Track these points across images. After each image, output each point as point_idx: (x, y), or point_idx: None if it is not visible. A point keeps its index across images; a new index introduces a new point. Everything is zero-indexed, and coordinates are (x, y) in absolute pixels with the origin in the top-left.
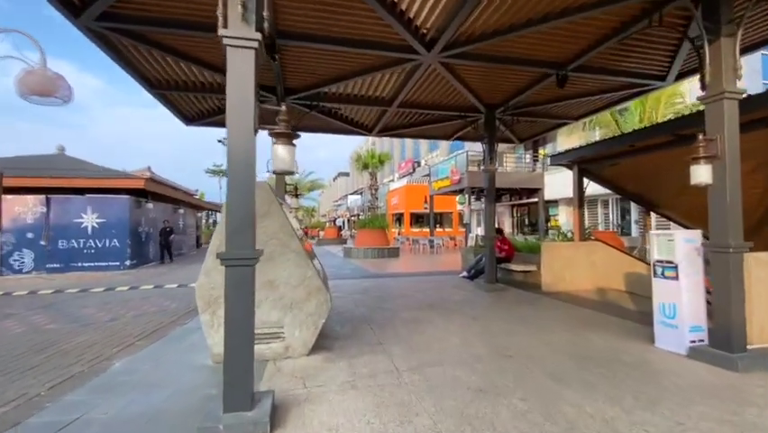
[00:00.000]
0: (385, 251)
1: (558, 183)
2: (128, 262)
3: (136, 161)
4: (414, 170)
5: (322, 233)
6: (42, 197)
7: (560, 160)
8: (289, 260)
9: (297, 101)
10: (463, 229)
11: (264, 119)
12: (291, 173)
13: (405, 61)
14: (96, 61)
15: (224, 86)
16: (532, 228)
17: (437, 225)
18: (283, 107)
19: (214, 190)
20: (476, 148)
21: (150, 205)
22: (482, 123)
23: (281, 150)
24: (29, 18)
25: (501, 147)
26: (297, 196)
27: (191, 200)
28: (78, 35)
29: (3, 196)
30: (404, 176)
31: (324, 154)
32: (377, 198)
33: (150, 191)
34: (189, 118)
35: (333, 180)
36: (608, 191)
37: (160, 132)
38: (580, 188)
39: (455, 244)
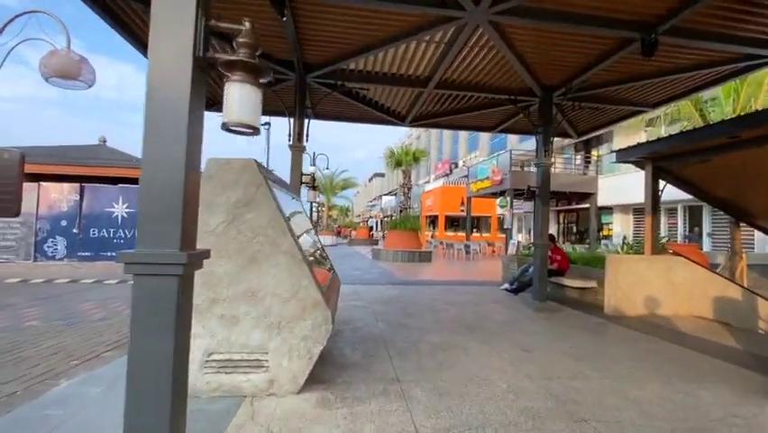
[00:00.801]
0: (416, 254)
1: (613, 188)
2: None
3: None
4: (451, 171)
5: (354, 233)
6: (77, 185)
7: (629, 156)
8: (279, 264)
9: (317, 79)
10: (503, 235)
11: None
12: (254, 131)
13: (446, 21)
14: None
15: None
16: (580, 237)
17: (474, 230)
18: (247, 25)
19: None
20: (520, 147)
21: None
22: (536, 109)
23: (238, 90)
24: (93, 21)
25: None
26: (314, 188)
27: None
28: None
29: (40, 183)
30: (440, 177)
31: (362, 155)
32: (410, 198)
33: None
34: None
35: (369, 181)
36: (674, 198)
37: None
38: (654, 190)
39: (493, 251)
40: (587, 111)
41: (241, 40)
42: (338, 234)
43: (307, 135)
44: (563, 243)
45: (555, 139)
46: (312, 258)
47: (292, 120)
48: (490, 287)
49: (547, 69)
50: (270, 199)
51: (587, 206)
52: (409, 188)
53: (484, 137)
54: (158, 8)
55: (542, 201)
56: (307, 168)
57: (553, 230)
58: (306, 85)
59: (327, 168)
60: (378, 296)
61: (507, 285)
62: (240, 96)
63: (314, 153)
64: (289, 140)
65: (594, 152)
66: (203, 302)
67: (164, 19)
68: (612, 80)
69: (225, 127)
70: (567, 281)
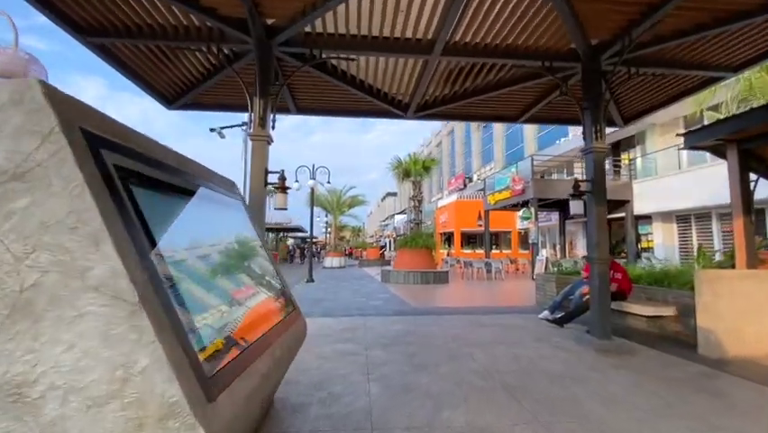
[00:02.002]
0: (430, 275)
1: (651, 194)
2: None
3: None
4: (465, 185)
5: (365, 253)
6: None
7: (705, 138)
8: (83, 316)
9: (286, 48)
10: (524, 251)
11: None
12: None
13: None
14: None
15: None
16: (613, 250)
17: (493, 246)
18: None
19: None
20: (542, 154)
21: None
22: (578, 80)
23: None
24: None
25: (564, 149)
26: (284, 189)
27: None
28: None
29: None
30: (454, 192)
31: (376, 176)
32: (421, 212)
33: None
34: (168, 97)
35: (382, 200)
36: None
37: (224, 157)
38: (743, 183)
39: (517, 269)
40: (644, 83)
41: None
42: (349, 254)
43: (274, 122)
44: None
45: (573, 137)
46: (246, 293)
47: (255, 103)
48: (524, 315)
49: (599, 10)
50: (74, 168)
51: (621, 215)
52: (420, 201)
53: (498, 149)
54: None
55: (596, 200)
56: (306, 183)
57: (580, 244)
58: (272, 55)
59: (329, 182)
60: (379, 333)
61: (547, 313)
62: None
63: (313, 166)
64: (249, 127)
65: (624, 156)
66: None
67: None
68: (688, 28)
69: None
70: (634, 308)
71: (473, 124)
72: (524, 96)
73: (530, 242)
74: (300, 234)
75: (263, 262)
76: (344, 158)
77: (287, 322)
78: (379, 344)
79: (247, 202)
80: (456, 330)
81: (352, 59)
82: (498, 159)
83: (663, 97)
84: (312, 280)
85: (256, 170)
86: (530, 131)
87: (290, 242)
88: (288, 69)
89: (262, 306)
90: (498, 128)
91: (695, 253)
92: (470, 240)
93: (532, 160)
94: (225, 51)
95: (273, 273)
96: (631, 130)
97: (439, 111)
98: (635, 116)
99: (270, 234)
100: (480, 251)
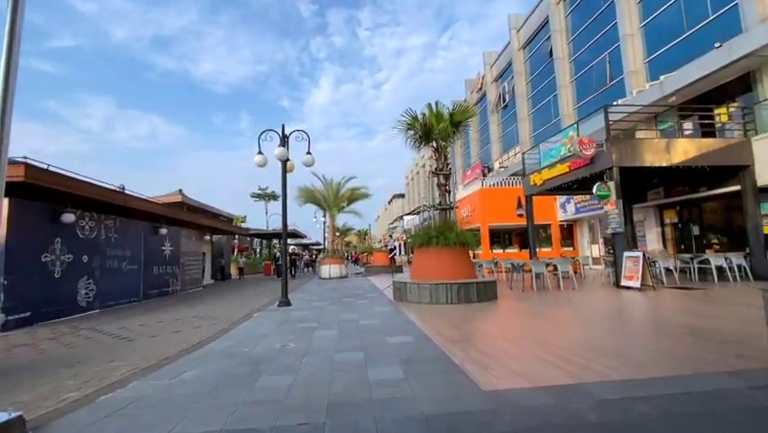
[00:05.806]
0: (472, 289)
1: None
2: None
3: (208, 194)
4: (484, 176)
5: (371, 258)
6: None
7: None
8: None
9: None
10: (568, 249)
11: None
12: None
13: None
14: (178, 112)
15: None
16: (699, 241)
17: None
18: None
19: (259, 215)
20: (624, 104)
21: (72, 217)
22: None
23: None
24: (134, 79)
25: (627, 109)
26: None
27: (197, 219)
28: (165, 90)
29: None
30: (471, 185)
31: (381, 183)
32: (448, 192)
33: (88, 198)
34: None
35: (389, 204)
36: None
37: (233, 168)
38: None
39: (575, 271)
40: None
41: None
42: (356, 261)
43: None
44: (675, 252)
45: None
46: None
47: None
48: None
49: None
50: None
51: (732, 189)
52: (447, 177)
53: (524, 129)
54: None
55: None
56: (273, 153)
57: (652, 236)
58: None
59: (309, 152)
60: None
61: None
62: None
63: (283, 127)
64: None
65: (720, 111)
66: None
67: None
68: None
69: None
70: None
71: (490, 104)
72: None
73: (610, 232)
74: (303, 241)
75: None
76: (348, 165)
77: None
78: None
79: None
80: None
81: None
82: (524, 141)
83: None
84: (287, 303)
85: None
86: (567, 99)
87: (290, 249)
88: None
89: None
90: (523, 106)
91: None
92: (494, 238)
93: (606, 112)
94: None
95: None
96: (734, 70)
97: None
98: None
99: (263, 240)
100: (511, 250)
